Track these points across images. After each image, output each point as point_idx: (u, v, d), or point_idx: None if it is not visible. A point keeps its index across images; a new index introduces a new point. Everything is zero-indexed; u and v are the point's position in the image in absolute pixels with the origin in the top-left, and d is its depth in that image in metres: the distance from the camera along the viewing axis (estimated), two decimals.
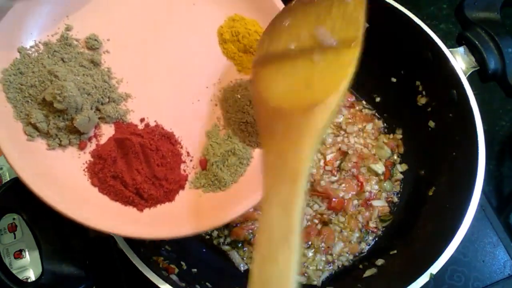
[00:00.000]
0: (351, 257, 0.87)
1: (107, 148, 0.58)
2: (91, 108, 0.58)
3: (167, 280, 0.65)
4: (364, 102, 1.00)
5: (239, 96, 0.63)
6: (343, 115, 0.98)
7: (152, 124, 0.62)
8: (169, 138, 0.61)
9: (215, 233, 0.88)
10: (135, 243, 0.68)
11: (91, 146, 0.59)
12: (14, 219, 0.87)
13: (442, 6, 1.23)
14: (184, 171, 0.62)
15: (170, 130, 0.62)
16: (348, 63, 0.50)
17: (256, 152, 0.63)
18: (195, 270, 0.78)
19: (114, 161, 0.57)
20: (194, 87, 0.64)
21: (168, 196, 0.60)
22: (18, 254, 0.84)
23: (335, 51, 0.51)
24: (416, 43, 0.82)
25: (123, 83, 0.62)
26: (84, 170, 0.58)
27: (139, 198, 0.58)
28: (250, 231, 0.87)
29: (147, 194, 0.58)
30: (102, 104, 0.60)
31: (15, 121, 0.56)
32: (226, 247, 0.87)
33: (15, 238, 0.85)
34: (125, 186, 0.57)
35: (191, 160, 0.62)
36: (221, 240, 0.88)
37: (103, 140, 0.60)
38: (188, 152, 0.62)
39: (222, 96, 0.64)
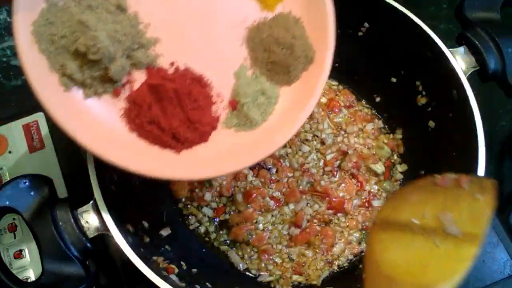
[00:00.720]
0: (351, 257, 0.87)
1: (141, 94, 0.60)
2: (122, 56, 0.59)
3: (167, 280, 0.65)
4: (364, 102, 1.00)
5: (264, 36, 0.63)
6: (343, 115, 0.98)
7: (182, 68, 0.62)
8: (199, 81, 0.62)
9: (213, 235, 0.88)
10: (135, 243, 0.68)
11: (125, 93, 0.61)
12: (14, 219, 0.87)
13: (442, 6, 1.23)
14: (215, 112, 0.63)
15: (199, 73, 0.63)
16: (466, 258, 0.52)
17: (283, 90, 0.64)
18: (195, 270, 0.78)
19: (149, 107, 0.59)
20: (219, 28, 0.65)
21: (203, 137, 0.62)
22: (18, 254, 0.84)
23: (457, 241, 0.53)
24: (416, 43, 0.81)
25: (150, 27, 0.62)
26: (121, 116, 0.60)
27: (176, 142, 0.60)
28: (249, 231, 0.87)
29: (183, 137, 0.60)
30: (132, 50, 0.60)
31: (50, 73, 0.57)
32: (224, 247, 0.87)
33: (15, 238, 0.85)
34: (162, 131, 0.59)
35: (221, 102, 0.64)
36: (221, 240, 0.88)
37: (136, 86, 0.61)
38: (218, 94, 0.64)
39: (248, 36, 0.64)
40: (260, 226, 0.88)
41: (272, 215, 0.89)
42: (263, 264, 0.85)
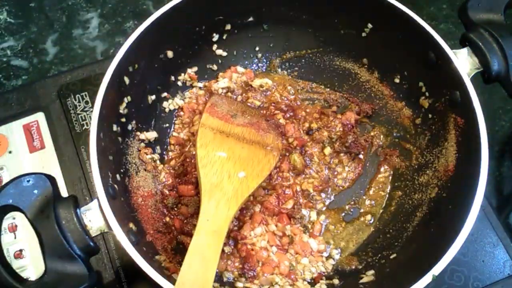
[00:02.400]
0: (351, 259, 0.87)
1: None
2: None
3: (169, 278, 0.65)
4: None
5: None
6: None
7: None
8: None
9: None
10: (138, 242, 0.68)
11: None
12: (14, 219, 0.86)
13: (442, 6, 1.23)
14: None
15: None
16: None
17: None
18: None
19: None
20: None
21: None
22: (18, 254, 0.84)
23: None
24: (420, 44, 0.81)
25: None
26: None
27: None
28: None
29: None
30: None
31: None
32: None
33: (15, 238, 0.85)
34: None
35: None
36: None
37: None
38: None
39: None
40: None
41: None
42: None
